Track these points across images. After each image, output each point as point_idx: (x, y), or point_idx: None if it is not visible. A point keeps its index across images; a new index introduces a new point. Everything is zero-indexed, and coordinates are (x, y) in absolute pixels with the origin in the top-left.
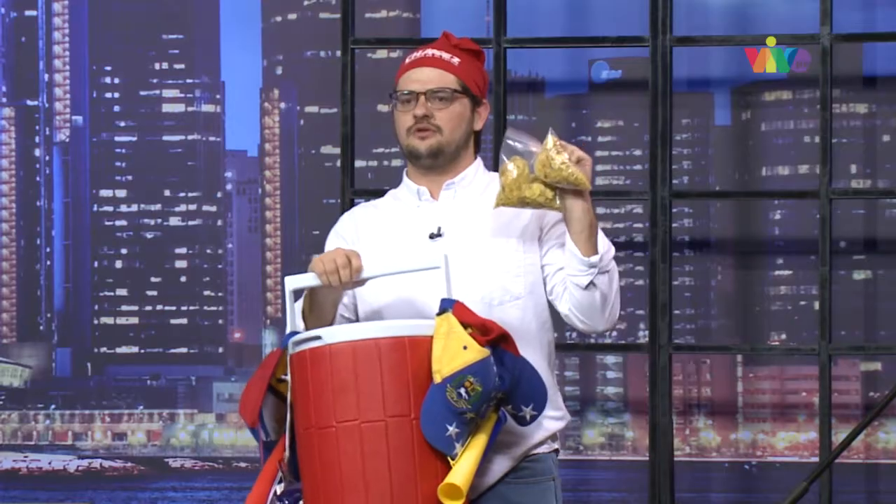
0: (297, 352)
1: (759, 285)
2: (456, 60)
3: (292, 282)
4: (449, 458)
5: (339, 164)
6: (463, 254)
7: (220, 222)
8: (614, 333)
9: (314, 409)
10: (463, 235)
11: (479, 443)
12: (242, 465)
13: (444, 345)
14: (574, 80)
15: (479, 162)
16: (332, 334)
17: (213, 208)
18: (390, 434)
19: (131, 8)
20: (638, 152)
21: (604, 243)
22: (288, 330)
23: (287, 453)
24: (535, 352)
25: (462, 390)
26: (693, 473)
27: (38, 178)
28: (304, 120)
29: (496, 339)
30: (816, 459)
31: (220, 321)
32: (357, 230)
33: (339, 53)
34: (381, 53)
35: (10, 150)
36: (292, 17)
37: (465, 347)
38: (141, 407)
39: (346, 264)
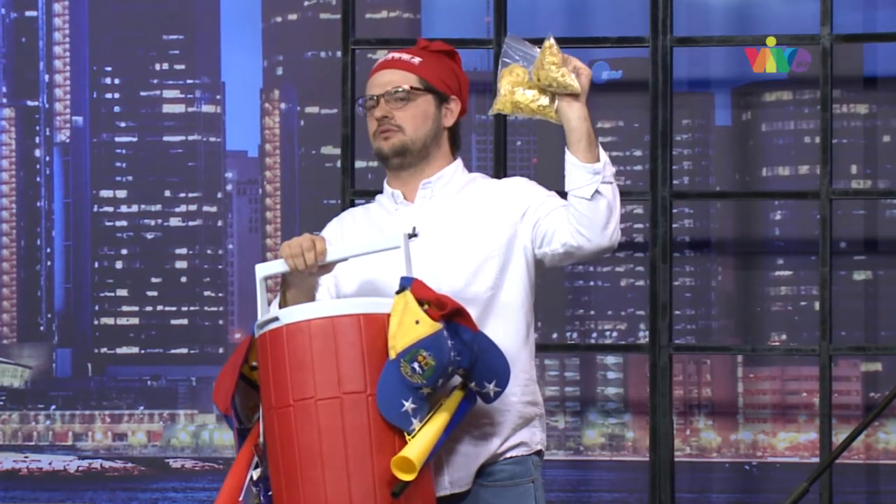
0: (259, 335)
1: (759, 286)
2: (416, 60)
3: (262, 269)
4: (406, 434)
5: (339, 164)
6: (439, 251)
7: (220, 223)
8: (614, 334)
9: (274, 390)
10: (439, 234)
11: (439, 419)
12: None
13: (399, 321)
14: None
15: (458, 162)
16: (289, 314)
17: (214, 209)
18: (346, 411)
19: (131, 8)
20: (638, 152)
21: (603, 154)
22: (259, 318)
23: (261, 439)
24: (513, 341)
25: (415, 365)
26: (693, 474)
27: (38, 179)
28: (305, 120)
29: (451, 314)
30: (817, 460)
31: (221, 322)
32: (342, 234)
33: (339, 54)
34: (382, 54)
35: (11, 150)
36: (293, 17)
37: (417, 322)
38: (141, 407)
39: (310, 247)
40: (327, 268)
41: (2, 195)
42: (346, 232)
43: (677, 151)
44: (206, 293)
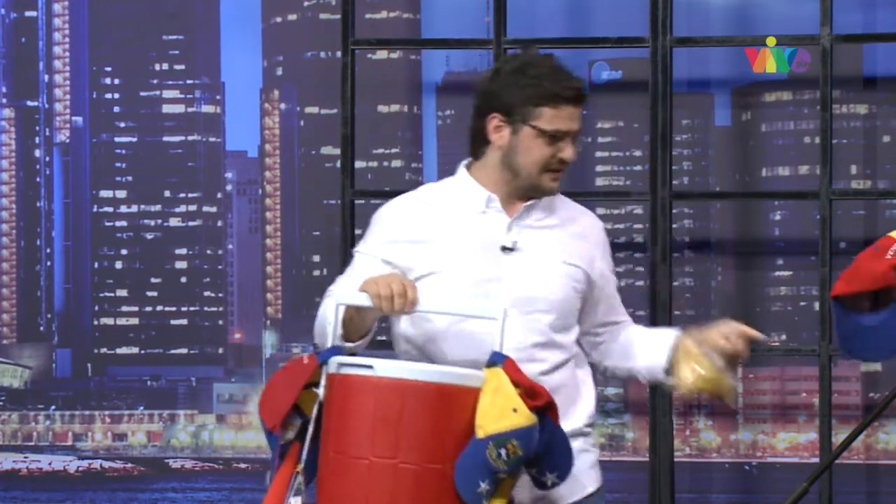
0: (340, 373)
1: (759, 286)
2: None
3: (342, 299)
4: None
5: (339, 164)
6: (534, 270)
7: (220, 223)
8: None
9: (351, 437)
10: (535, 252)
11: (500, 502)
12: (242, 465)
13: (492, 401)
14: None
15: None
16: (384, 368)
17: (214, 209)
18: (423, 480)
19: (131, 8)
20: (638, 153)
21: None
22: (328, 343)
23: (302, 465)
24: (585, 371)
25: (503, 451)
26: (693, 474)
27: (38, 179)
28: (305, 120)
29: (544, 407)
30: (817, 460)
31: (221, 322)
32: (412, 230)
33: (339, 54)
34: (382, 54)
35: (11, 150)
36: (292, 17)
37: (514, 410)
38: (141, 408)
39: (402, 293)
40: (410, 312)
41: (2, 195)
42: (417, 231)
43: (677, 151)
44: (206, 293)
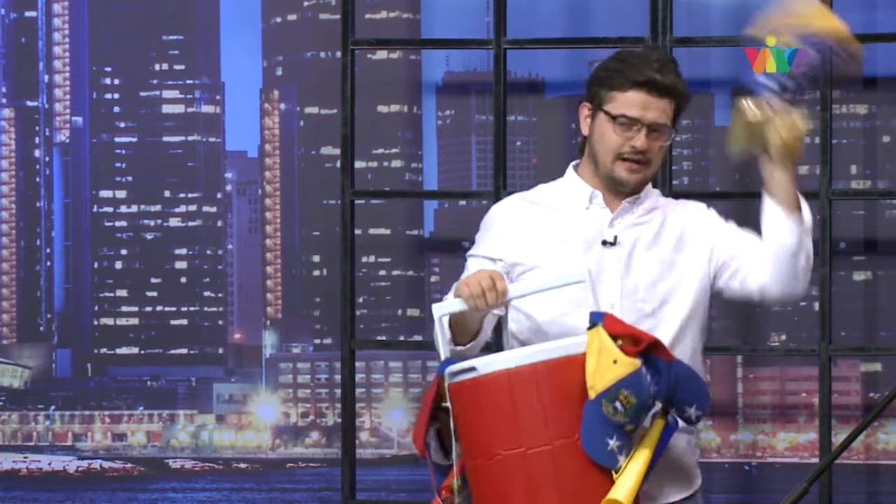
0: (454, 382)
1: None
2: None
3: (440, 309)
4: (613, 472)
5: (338, 164)
6: (636, 264)
7: (220, 223)
8: None
9: (478, 440)
10: (637, 246)
11: (643, 453)
12: (242, 465)
13: (597, 360)
14: (574, 80)
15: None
16: (487, 364)
17: (214, 209)
18: (556, 457)
19: (131, 9)
20: None
21: (805, 206)
22: (442, 357)
23: (457, 481)
24: (696, 365)
25: (617, 404)
26: None
27: (38, 179)
28: (304, 121)
29: (647, 349)
30: (816, 460)
31: (220, 322)
32: (521, 226)
33: (339, 54)
34: (381, 54)
35: (10, 150)
36: (292, 18)
37: (615, 362)
38: (141, 408)
39: (491, 287)
40: (505, 303)
41: (2, 195)
42: (522, 228)
43: (677, 152)
44: (206, 293)
